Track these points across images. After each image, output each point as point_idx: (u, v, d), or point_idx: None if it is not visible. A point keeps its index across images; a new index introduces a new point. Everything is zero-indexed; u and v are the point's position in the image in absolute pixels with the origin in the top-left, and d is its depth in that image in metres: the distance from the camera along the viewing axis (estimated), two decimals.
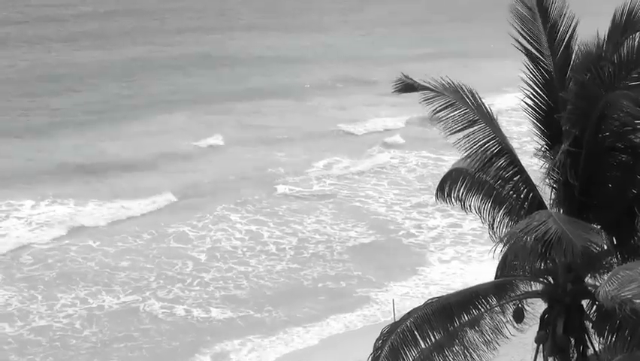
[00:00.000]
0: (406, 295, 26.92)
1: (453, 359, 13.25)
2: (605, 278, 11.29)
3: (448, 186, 15.17)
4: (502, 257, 14.16)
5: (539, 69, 13.78)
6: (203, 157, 41.07)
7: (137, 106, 48.43)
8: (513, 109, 38.90)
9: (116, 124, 45.19)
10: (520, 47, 13.84)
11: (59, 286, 27.78)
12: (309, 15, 79.19)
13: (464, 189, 14.68)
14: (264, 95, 51.37)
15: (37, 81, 52.68)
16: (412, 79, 13.50)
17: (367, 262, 29.71)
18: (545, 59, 13.73)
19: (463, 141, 13.43)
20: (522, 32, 13.83)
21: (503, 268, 14.56)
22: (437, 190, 15.51)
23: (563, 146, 12.92)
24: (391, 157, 41.25)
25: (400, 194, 36.13)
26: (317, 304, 26.78)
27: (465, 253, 30.15)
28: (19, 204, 34.26)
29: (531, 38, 13.81)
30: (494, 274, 14.79)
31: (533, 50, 13.79)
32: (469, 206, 14.79)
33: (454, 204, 15.20)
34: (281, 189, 36.54)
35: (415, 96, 13.56)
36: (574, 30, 13.78)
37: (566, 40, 13.75)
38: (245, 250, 30.72)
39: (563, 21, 13.81)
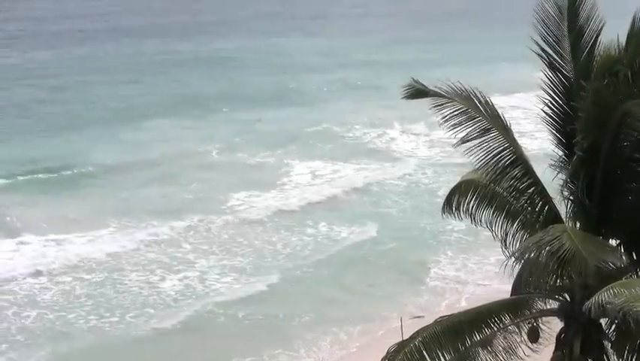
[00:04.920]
0: None
1: None
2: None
3: (457, 198, 14.55)
4: (518, 274, 13.58)
5: (558, 75, 13.23)
6: None
7: None
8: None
9: None
10: (540, 52, 13.29)
11: None
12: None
13: (475, 201, 14.05)
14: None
15: None
16: (422, 84, 12.97)
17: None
18: (566, 64, 13.17)
19: (475, 150, 12.87)
20: (544, 35, 13.27)
21: (519, 285, 13.96)
22: (444, 203, 14.89)
23: (576, 154, 12.41)
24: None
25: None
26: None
27: None
28: None
29: (554, 41, 13.25)
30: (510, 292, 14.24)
31: (554, 55, 13.23)
32: (480, 220, 14.17)
33: (463, 218, 14.59)
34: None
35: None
36: (598, 35, 13.19)
37: (589, 45, 13.19)
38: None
39: (589, 24, 13.24)
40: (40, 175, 38.81)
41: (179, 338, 24.62)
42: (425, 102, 12.94)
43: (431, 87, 12.92)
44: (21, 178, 38.16)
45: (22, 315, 25.60)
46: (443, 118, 12.88)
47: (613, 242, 12.75)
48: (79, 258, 29.59)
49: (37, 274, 28.36)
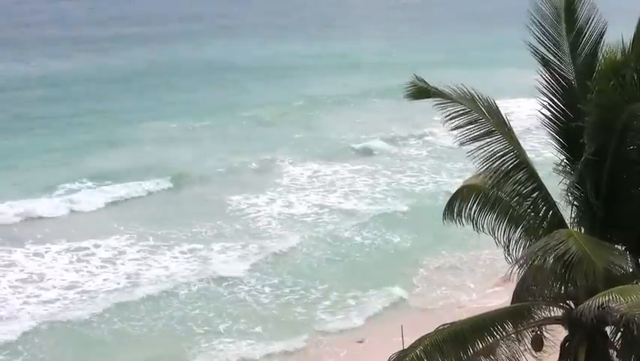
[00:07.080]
0: None
1: None
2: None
3: (458, 204, 14.26)
4: (520, 280, 13.30)
5: (558, 77, 12.96)
6: None
7: None
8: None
9: None
10: (536, 54, 13.03)
11: None
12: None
13: (477, 207, 13.75)
14: None
15: None
16: (425, 82, 12.69)
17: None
18: (565, 66, 12.90)
19: (478, 153, 12.60)
20: (540, 37, 13.01)
21: (521, 292, 13.67)
22: (445, 209, 14.59)
23: (583, 157, 12.12)
24: None
25: None
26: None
27: None
28: None
29: (551, 43, 12.99)
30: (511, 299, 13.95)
31: (552, 57, 12.96)
32: (482, 226, 13.87)
33: (464, 223, 14.29)
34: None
35: None
36: (602, 35, 12.94)
37: (591, 46, 12.93)
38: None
39: (590, 25, 12.99)
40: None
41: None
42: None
43: (433, 87, 12.67)
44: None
45: None
46: (446, 118, 12.63)
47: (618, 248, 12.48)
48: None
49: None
